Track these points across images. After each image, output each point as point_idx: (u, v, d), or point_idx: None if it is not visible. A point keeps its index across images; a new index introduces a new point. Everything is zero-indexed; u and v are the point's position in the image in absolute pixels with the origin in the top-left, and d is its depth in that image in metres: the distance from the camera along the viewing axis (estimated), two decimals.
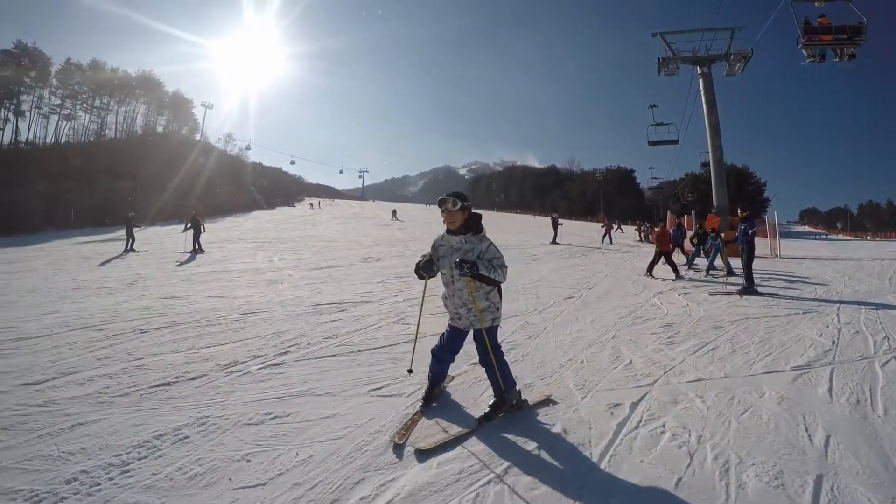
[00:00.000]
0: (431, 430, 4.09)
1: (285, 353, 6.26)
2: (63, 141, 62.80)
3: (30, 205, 45.44)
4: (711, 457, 3.68)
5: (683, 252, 17.75)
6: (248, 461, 3.63)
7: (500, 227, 42.37)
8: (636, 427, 4.19)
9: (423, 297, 4.76)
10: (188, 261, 17.56)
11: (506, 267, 4.11)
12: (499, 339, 4.45)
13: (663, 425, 4.20)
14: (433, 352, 4.55)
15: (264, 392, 4.96)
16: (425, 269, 4.18)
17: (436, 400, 4.65)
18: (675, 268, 14.25)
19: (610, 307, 9.45)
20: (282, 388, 5.05)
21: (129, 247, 21.65)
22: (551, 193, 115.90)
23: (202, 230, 21.45)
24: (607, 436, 4.03)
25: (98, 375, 5.37)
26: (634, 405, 4.65)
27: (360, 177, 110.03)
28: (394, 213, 53.39)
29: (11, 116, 59.42)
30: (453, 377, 5.19)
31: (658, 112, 33.51)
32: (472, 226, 4.24)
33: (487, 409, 4.30)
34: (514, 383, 4.42)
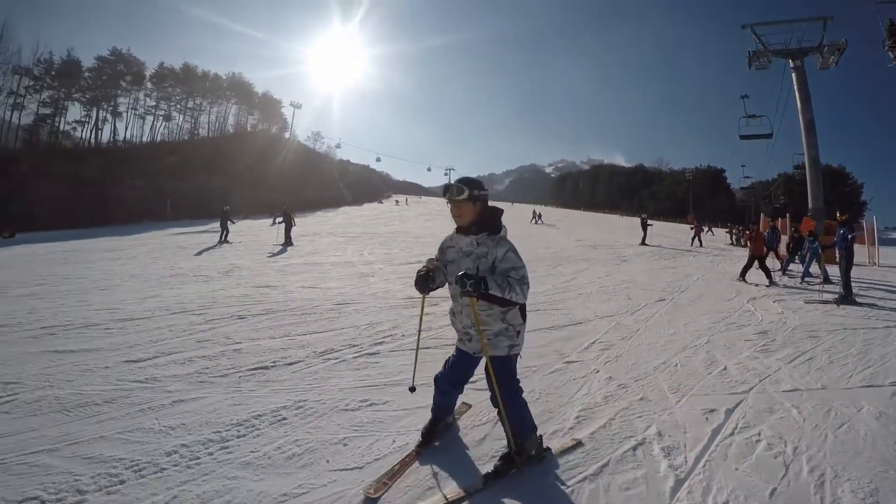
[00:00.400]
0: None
1: (380, 343, 6.93)
2: (159, 140, 72.32)
3: (128, 198, 52.24)
4: (807, 469, 3.86)
5: (777, 257, 17.95)
6: (345, 445, 4.08)
7: (588, 226, 43.88)
8: (731, 434, 4.46)
9: (422, 313, 4.38)
10: (280, 253, 19.24)
11: (527, 283, 3.47)
12: (519, 369, 3.93)
13: (759, 434, 4.43)
14: (435, 380, 4.15)
15: (360, 380, 5.52)
16: (421, 284, 3.65)
17: (438, 438, 4.22)
18: (768, 273, 14.49)
19: (703, 311, 9.79)
20: (377, 377, 5.60)
21: (223, 238, 23.99)
22: (639, 193, 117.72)
23: (293, 224, 23.41)
24: (702, 441, 4.31)
25: (198, 356, 6.17)
26: (730, 412, 4.91)
27: (445, 174, 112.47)
28: None
29: (109, 117, 69.62)
30: (470, 406, 4.87)
31: (750, 106, 33.22)
32: (488, 223, 3.67)
33: (497, 463, 3.76)
34: (534, 429, 3.85)
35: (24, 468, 3.81)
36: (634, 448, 4.13)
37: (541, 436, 3.94)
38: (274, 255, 18.48)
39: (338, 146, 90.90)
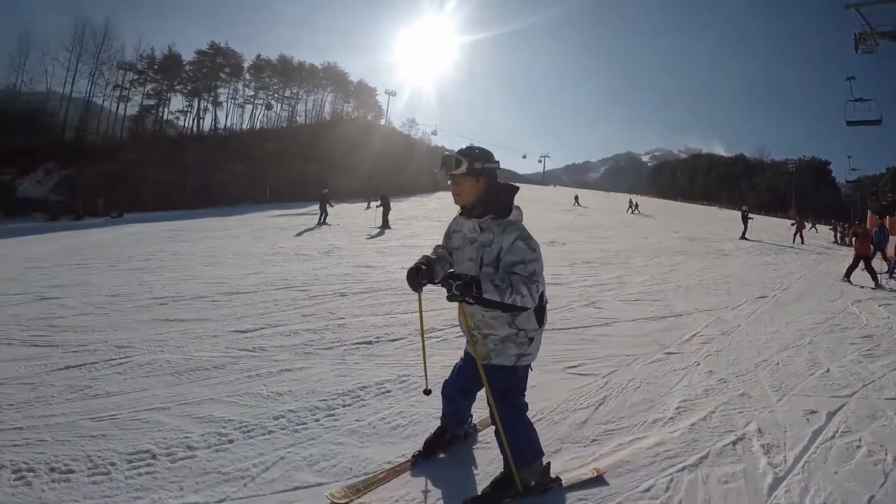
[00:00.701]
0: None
1: None
2: (258, 127, 76.45)
3: (229, 182, 55.80)
4: None
5: (885, 258, 16.93)
6: None
7: (685, 218, 42.59)
8: (832, 437, 4.36)
9: (421, 311, 3.61)
10: (378, 235, 19.87)
11: (537, 282, 2.88)
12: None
13: (860, 440, 4.31)
14: (443, 386, 3.74)
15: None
16: (411, 280, 3.16)
17: (445, 449, 3.76)
18: (874, 275, 13.69)
19: (805, 311, 9.42)
20: None
21: (321, 220, 24.93)
22: (739, 184, 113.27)
23: (390, 208, 23.98)
24: (802, 441, 4.21)
25: (303, 329, 6.52)
26: (831, 415, 4.75)
27: (539, 161, 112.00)
28: (576, 198, 54.31)
29: (210, 107, 74.57)
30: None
31: (858, 89, 31.75)
32: (494, 203, 3.10)
33: (486, 488, 3.29)
34: (537, 456, 3.30)
35: (136, 424, 4.16)
36: (734, 443, 4.13)
37: (548, 463, 3.37)
38: (372, 237, 19.08)
39: (434, 133, 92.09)
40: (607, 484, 3.49)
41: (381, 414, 4.29)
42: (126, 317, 7.26)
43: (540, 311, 3.15)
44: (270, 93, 79.14)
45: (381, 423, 4.14)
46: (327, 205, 26.05)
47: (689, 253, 17.71)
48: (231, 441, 3.84)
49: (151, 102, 71.89)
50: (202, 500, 3.19)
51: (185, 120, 74.19)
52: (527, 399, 3.37)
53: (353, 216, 30.11)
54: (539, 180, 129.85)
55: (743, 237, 25.52)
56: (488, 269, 3.02)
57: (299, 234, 20.42)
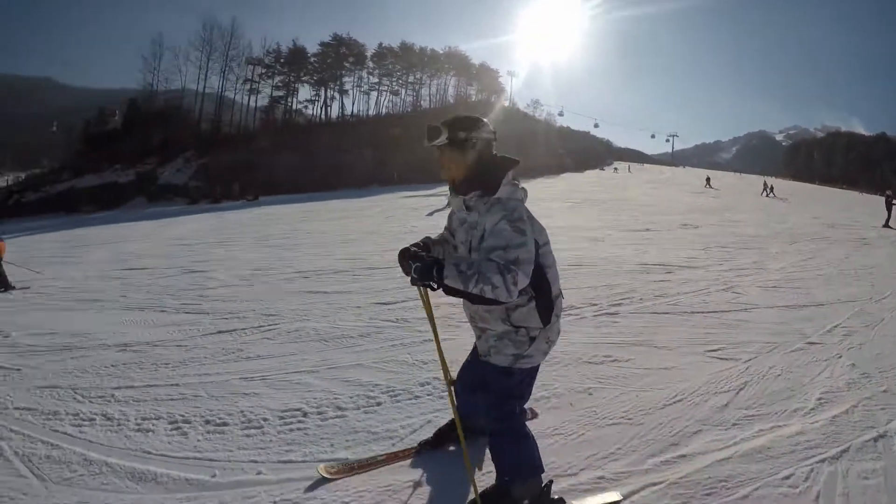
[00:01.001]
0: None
1: (619, 304, 6.94)
2: (384, 113, 79.10)
3: (356, 166, 58.15)
4: None
5: None
6: (589, 394, 4.21)
7: (823, 202, 39.08)
8: None
9: (424, 301, 2.93)
10: None
11: (515, 271, 2.36)
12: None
13: None
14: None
15: (603, 336, 5.61)
16: (402, 263, 2.72)
17: (454, 441, 3.41)
18: None
19: None
20: (618, 336, 5.66)
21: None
22: (881, 166, 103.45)
23: None
24: None
25: (443, 303, 6.63)
26: None
27: (667, 140, 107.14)
28: (707, 180, 51.72)
29: (337, 95, 78.50)
30: (536, 415, 3.98)
31: None
32: (480, 178, 2.66)
33: (474, 497, 2.84)
34: (532, 472, 2.84)
35: (287, 384, 4.46)
36: (875, 439, 3.81)
37: (549, 482, 2.90)
38: None
39: (560, 114, 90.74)
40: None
41: None
42: (271, 288, 7.80)
43: (545, 308, 2.68)
44: (394, 79, 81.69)
45: None
46: None
47: (830, 240, 16.40)
48: (379, 404, 4.03)
49: (280, 94, 77.19)
50: (353, 456, 3.33)
51: (313, 108, 78.69)
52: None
53: None
54: (668, 161, 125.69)
55: (886, 225, 23.40)
56: (476, 254, 2.60)
57: (430, 214, 20.90)
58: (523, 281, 2.40)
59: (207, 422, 3.92)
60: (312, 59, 77.70)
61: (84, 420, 4.15)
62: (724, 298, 7.56)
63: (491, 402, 2.80)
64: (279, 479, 3.14)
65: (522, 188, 2.72)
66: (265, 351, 5.34)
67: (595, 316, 6.41)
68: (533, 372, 2.79)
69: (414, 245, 2.86)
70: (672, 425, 3.76)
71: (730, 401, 4.24)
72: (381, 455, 3.35)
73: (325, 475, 3.13)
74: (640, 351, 5.22)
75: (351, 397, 4.11)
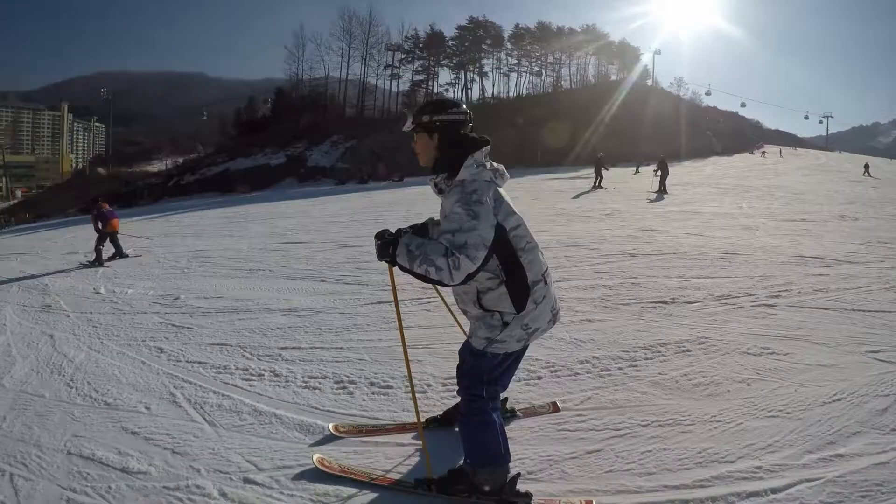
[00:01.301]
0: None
1: (776, 296, 6.55)
2: (525, 94, 79.73)
3: (500, 147, 58.24)
4: None
5: None
6: (748, 385, 4.06)
7: None
8: None
9: (392, 278, 2.90)
10: (656, 200, 19.28)
11: (457, 255, 2.35)
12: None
13: None
14: None
15: (760, 328, 5.36)
16: (378, 247, 2.59)
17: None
18: None
19: None
20: (776, 328, 5.36)
21: (597, 184, 24.90)
22: None
23: (668, 173, 23.12)
24: None
25: (599, 285, 6.65)
26: None
27: (820, 122, 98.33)
28: (866, 167, 46.38)
29: (476, 77, 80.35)
30: (557, 409, 3.78)
31: None
32: (446, 161, 2.69)
33: (441, 475, 2.85)
34: (497, 462, 2.73)
35: (450, 354, 4.56)
36: None
37: (514, 476, 2.75)
38: (651, 201, 18.60)
39: (707, 93, 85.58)
40: None
41: (682, 371, 4.27)
42: None
43: (518, 293, 2.61)
44: (533, 60, 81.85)
45: (683, 379, 4.13)
46: (602, 168, 25.89)
47: None
48: (539, 378, 4.13)
49: (420, 78, 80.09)
50: (515, 427, 3.41)
51: (453, 91, 79.86)
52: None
53: (627, 180, 29.67)
54: (821, 145, 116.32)
55: None
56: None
57: (576, 196, 20.69)
58: (468, 265, 2.37)
59: (372, 384, 4.19)
60: (450, 43, 79.42)
61: (253, 375, 4.56)
62: (886, 298, 6.94)
63: (463, 383, 2.80)
64: (443, 444, 3.23)
65: (493, 170, 2.66)
66: (425, 322, 5.61)
67: (752, 306, 6.12)
68: (507, 359, 2.72)
69: (414, 225, 2.99)
70: (830, 423, 3.56)
71: (890, 405, 3.92)
72: (391, 424, 3.53)
73: (334, 433, 3.42)
74: (798, 346, 4.94)
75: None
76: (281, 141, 66.76)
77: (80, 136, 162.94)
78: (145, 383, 4.54)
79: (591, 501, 2.71)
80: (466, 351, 2.78)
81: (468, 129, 2.73)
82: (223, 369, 4.73)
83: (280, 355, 4.97)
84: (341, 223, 15.54)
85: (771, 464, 3.09)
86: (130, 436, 3.61)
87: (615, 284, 6.71)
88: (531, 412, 3.66)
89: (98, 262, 11.17)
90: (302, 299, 6.97)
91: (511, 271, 2.58)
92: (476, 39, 79.18)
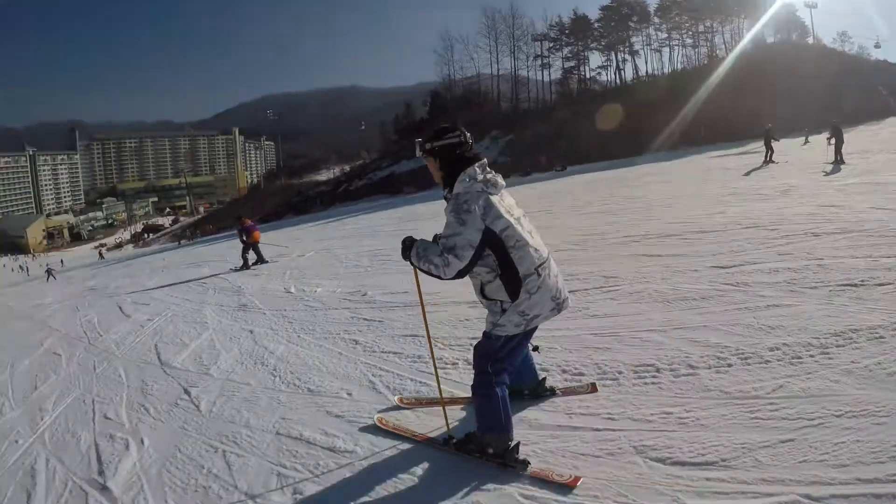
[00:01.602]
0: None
1: None
2: (679, 68, 77.16)
3: (660, 127, 56.36)
4: None
5: None
6: None
7: None
8: None
9: (416, 277, 3.76)
10: (833, 172, 17.43)
11: (447, 255, 2.96)
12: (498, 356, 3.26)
13: None
14: None
15: None
16: (402, 251, 3.34)
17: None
18: None
19: None
20: None
21: (768, 158, 23.12)
22: None
23: (843, 140, 20.99)
24: None
25: (783, 268, 6.31)
26: None
27: None
28: None
29: (628, 57, 78.98)
30: (595, 389, 4.10)
31: None
32: (447, 179, 3.23)
33: (459, 437, 3.49)
34: (498, 432, 3.25)
35: (638, 342, 4.73)
36: None
37: (516, 444, 3.24)
38: (827, 174, 17.15)
39: (876, 45, 75.13)
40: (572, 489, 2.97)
41: (876, 359, 3.96)
42: (605, 252, 8.15)
43: (511, 284, 3.09)
44: (683, 32, 78.86)
45: (877, 368, 3.83)
46: (772, 140, 23.85)
47: None
48: (729, 365, 4.06)
49: (571, 64, 79.95)
50: (707, 415, 3.44)
51: (606, 74, 79.62)
52: None
53: (798, 151, 27.33)
54: None
55: None
56: None
57: (747, 173, 19.47)
58: (456, 263, 2.95)
59: (564, 371, 4.39)
60: (596, 25, 78.60)
61: (448, 364, 4.95)
62: None
63: (475, 360, 3.36)
64: (637, 429, 3.39)
65: (484, 181, 3.11)
66: (611, 310, 5.68)
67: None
68: (509, 342, 3.20)
69: (436, 235, 3.33)
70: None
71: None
72: (447, 398, 3.99)
73: (399, 404, 4.22)
74: None
75: (701, 357, 4.21)
76: None
77: (252, 155, 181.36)
78: (344, 372, 5.10)
79: (580, 478, 3.00)
80: (483, 336, 3.32)
81: (466, 148, 3.22)
82: (418, 358, 5.17)
83: (470, 345, 5.30)
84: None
85: None
86: (335, 419, 4.09)
87: (800, 267, 6.37)
88: (570, 391, 4.06)
89: (245, 266, 13.46)
90: None
91: (504, 266, 3.06)
92: (622, 18, 77.46)
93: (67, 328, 10.09)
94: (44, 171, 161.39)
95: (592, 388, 4.05)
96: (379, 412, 4.12)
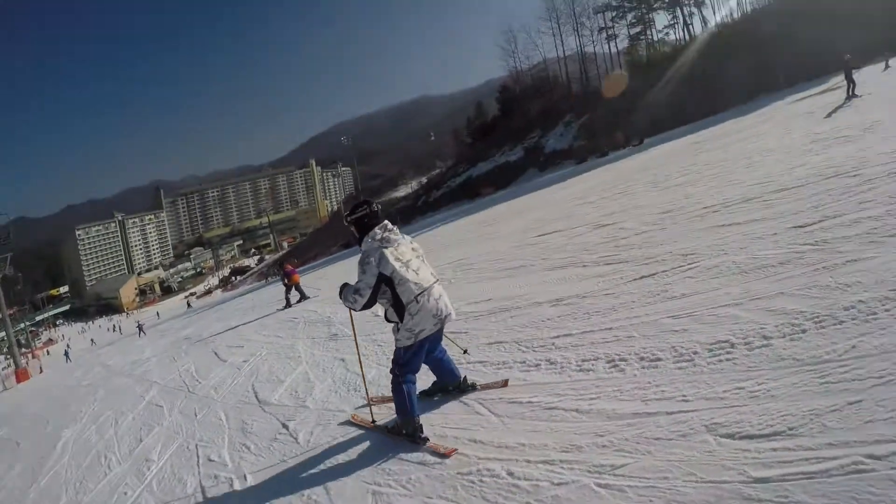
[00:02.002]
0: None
1: None
2: (750, 11, 70.03)
3: (738, 78, 53.10)
4: None
5: None
6: None
7: None
8: None
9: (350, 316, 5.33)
10: None
11: (355, 294, 4.27)
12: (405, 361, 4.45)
13: None
14: None
15: None
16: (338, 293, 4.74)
17: (436, 395, 5.14)
18: None
19: None
20: None
21: (851, 92, 21.65)
22: None
23: None
24: None
25: (864, 217, 6.03)
26: None
27: None
28: None
29: (695, 10, 72.74)
30: (505, 384, 5.01)
31: None
32: (359, 240, 4.56)
33: (391, 423, 4.75)
34: (407, 415, 4.43)
35: (714, 318, 4.77)
36: None
37: (420, 425, 4.37)
38: None
39: None
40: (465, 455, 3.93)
41: None
42: (684, 228, 8.26)
43: (398, 310, 4.31)
44: None
45: None
46: (853, 71, 22.54)
47: None
48: (804, 331, 4.05)
49: (637, 30, 76.01)
50: (778, 385, 3.47)
51: (674, 33, 75.00)
52: None
53: (883, 80, 25.47)
54: None
55: None
56: None
57: (829, 114, 18.28)
58: (360, 300, 4.24)
59: (642, 358, 4.48)
60: None
61: (531, 366, 5.15)
62: None
63: (391, 364, 4.56)
64: (709, 407, 3.46)
65: (382, 238, 4.36)
66: (688, 289, 5.71)
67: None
68: (408, 350, 4.40)
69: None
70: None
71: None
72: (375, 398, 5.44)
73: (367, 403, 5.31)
74: None
75: (776, 326, 4.22)
76: (516, 136, 68.15)
77: (331, 182, 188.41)
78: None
79: (455, 449, 4.04)
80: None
81: (373, 216, 4.47)
82: (502, 365, 5.39)
83: (553, 344, 5.46)
84: (592, 204, 15.72)
85: None
86: (427, 433, 4.33)
87: (881, 214, 6.08)
88: (486, 386, 4.99)
89: (287, 305, 16.13)
90: (567, 287, 7.38)
91: (394, 297, 4.26)
92: None
93: (166, 379, 10.94)
94: (133, 232, 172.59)
95: (504, 384, 4.94)
96: (354, 409, 5.49)
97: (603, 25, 75.67)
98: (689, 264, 6.46)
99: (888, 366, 3.28)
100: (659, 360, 4.37)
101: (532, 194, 30.07)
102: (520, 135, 68.58)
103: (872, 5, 49.97)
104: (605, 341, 5.09)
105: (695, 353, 4.26)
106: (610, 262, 7.89)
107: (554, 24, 75.81)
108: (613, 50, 76.85)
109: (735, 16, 70.42)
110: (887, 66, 29.82)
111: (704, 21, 72.41)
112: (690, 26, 72.90)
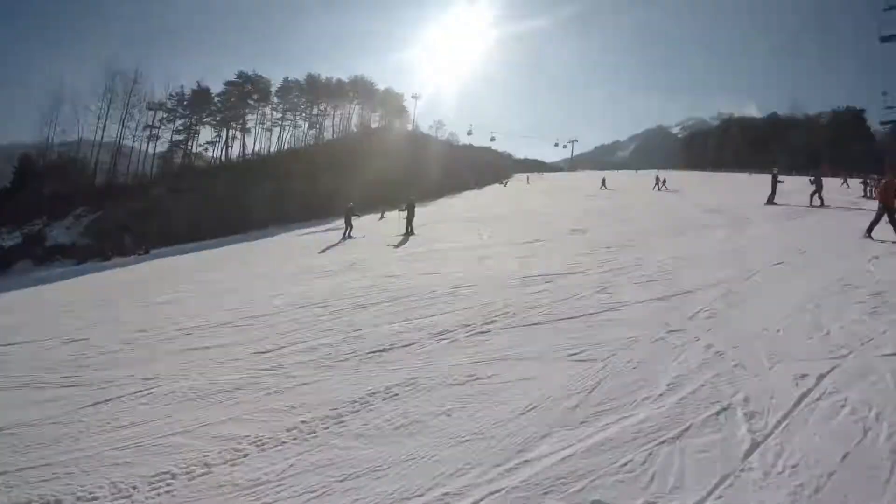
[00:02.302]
0: None
1: (491, 322, 7.34)
2: (286, 148, 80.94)
3: (258, 206, 57.87)
4: (885, 435, 3.88)
5: None
6: (448, 415, 4.56)
7: (713, 188, 40.96)
8: (818, 399, 4.51)
9: None
10: (402, 243, 19.99)
11: None
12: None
13: (845, 399, 4.47)
14: None
15: (469, 357, 5.99)
16: None
17: None
18: None
19: (820, 273, 9.26)
20: (485, 354, 6.05)
21: (347, 234, 25.52)
22: (769, 147, 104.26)
23: (414, 214, 24.33)
24: (786, 406, 4.41)
25: (321, 344, 6.87)
26: (821, 377, 4.91)
27: (563, 147, 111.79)
28: (602, 181, 51.99)
29: (238, 134, 79.52)
30: None
31: None
32: None
33: None
34: None
35: (159, 448, 4.59)
36: (718, 413, 4.36)
37: None
38: (396, 246, 19.26)
39: (469, 132, 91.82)
40: None
41: (387, 416, 4.65)
42: (153, 350, 7.83)
43: None
44: (298, 113, 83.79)
45: (387, 424, 4.51)
46: (353, 217, 26.70)
47: (712, 226, 17.29)
48: (246, 455, 4.21)
49: (180, 137, 76.93)
50: None
51: (213, 150, 78.56)
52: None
53: (379, 226, 30.52)
54: (565, 167, 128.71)
55: (770, 202, 24.54)
56: None
57: (324, 250, 20.92)
58: None
59: (79, 498, 4.01)
60: (216, 100, 77.90)
61: None
62: (596, 300, 8.04)
63: None
64: None
65: None
66: (139, 417, 5.37)
67: (467, 337, 6.79)
68: None
69: None
70: (522, 433, 4.14)
71: (581, 401, 4.65)
72: None
73: None
74: (504, 366, 5.62)
75: (219, 452, 4.27)
76: (19, 217, 59.57)
77: None
78: None
79: None
80: None
81: None
82: None
83: None
84: (71, 312, 14.42)
85: (458, 487, 3.50)
86: None
87: (337, 341, 6.96)
88: None
89: None
90: (16, 413, 6.34)
91: None
92: (243, 95, 78.64)
93: None
94: None
95: None
96: None
97: (150, 123, 73.52)
98: (147, 389, 6.15)
99: (321, 479, 3.67)
100: (97, 498, 3.98)
101: (15, 292, 26.52)
102: (24, 217, 60.14)
103: (394, 167, 60.87)
104: (41, 480, 4.40)
105: (134, 487, 4.00)
106: (68, 385, 6.98)
107: (104, 106, 70.57)
108: (152, 150, 74.79)
109: (272, 149, 76.65)
110: (382, 217, 36.38)
111: (244, 146, 76.76)
112: (230, 148, 76.17)
